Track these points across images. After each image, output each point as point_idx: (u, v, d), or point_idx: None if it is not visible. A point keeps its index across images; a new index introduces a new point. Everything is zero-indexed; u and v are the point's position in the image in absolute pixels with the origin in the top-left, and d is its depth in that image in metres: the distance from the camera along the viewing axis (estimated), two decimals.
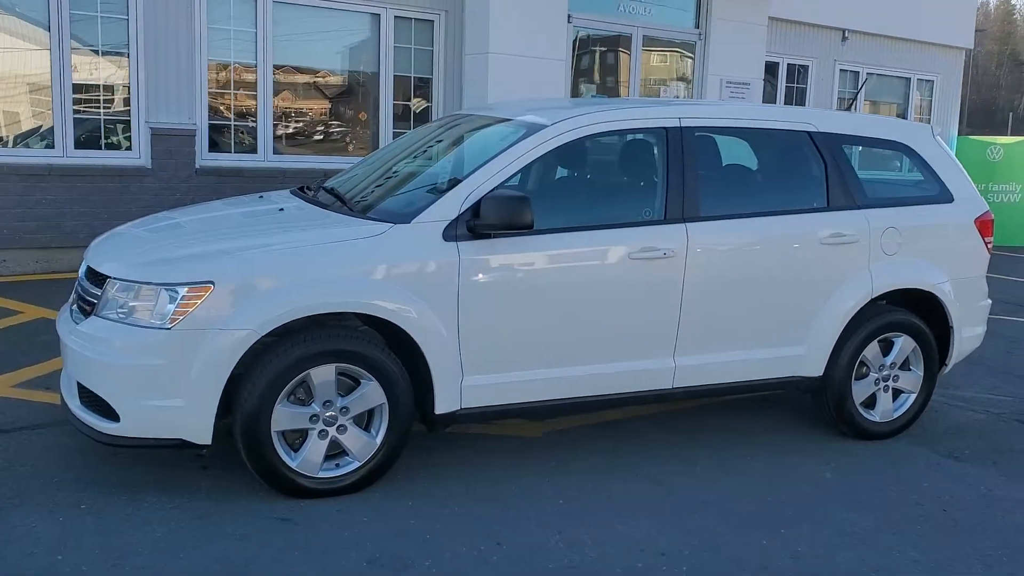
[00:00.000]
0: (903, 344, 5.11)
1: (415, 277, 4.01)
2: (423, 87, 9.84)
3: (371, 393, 4.01)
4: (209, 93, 8.69)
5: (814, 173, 4.92)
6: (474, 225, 4.06)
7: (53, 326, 4.41)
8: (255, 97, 8.94)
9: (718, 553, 3.75)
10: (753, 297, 4.69)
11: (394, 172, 4.90)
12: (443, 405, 4.14)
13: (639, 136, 4.57)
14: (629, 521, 3.98)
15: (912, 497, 4.41)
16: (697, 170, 4.56)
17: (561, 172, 4.42)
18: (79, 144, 8.20)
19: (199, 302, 3.73)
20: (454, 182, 4.23)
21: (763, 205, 4.77)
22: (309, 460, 3.96)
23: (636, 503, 4.15)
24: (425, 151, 5.09)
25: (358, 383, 4.02)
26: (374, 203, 4.41)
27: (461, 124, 5.15)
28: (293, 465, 3.94)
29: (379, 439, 4.06)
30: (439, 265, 4.04)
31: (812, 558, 3.76)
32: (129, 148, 8.37)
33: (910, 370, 5.20)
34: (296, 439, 3.97)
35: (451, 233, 4.07)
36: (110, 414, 3.82)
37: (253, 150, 9.00)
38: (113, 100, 8.34)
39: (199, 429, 3.81)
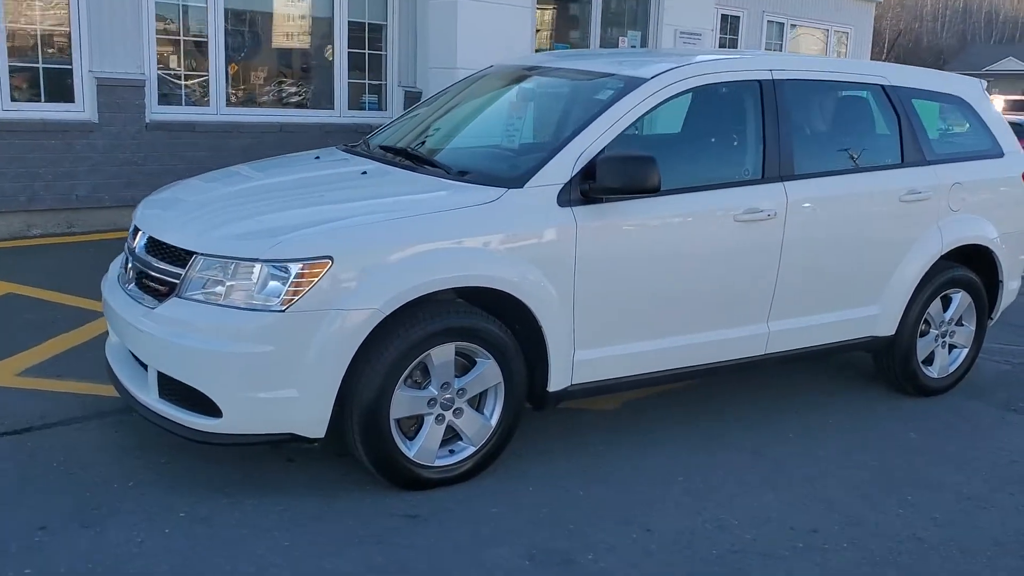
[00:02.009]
0: (960, 300, 5.12)
1: (533, 246, 3.68)
2: (376, 33, 9.28)
3: (488, 372, 3.68)
4: (157, 40, 7.92)
5: (889, 128, 4.81)
6: (590, 188, 3.75)
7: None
8: (206, 45, 8.21)
9: (864, 526, 3.63)
10: (840, 258, 4.57)
11: (467, 130, 4.51)
12: (557, 382, 3.86)
13: (736, 90, 4.33)
14: (758, 497, 3.82)
15: (1004, 455, 4.42)
16: (790, 125, 4.37)
17: (661, 129, 4.15)
18: (15, 97, 7.33)
19: (316, 280, 3.31)
20: (558, 143, 3.90)
21: (845, 162, 4.63)
22: (426, 448, 3.62)
23: (751, 478, 3.99)
24: (489, 107, 4.71)
25: (472, 362, 3.68)
26: (471, 166, 4.03)
27: (535, 78, 4.78)
28: (411, 455, 3.58)
29: (494, 421, 3.75)
30: (556, 232, 3.73)
31: (954, 525, 3.69)
32: (72, 100, 7.55)
33: (963, 325, 5.21)
34: (411, 426, 3.62)
35: (564, 198, 3.76)
36: (208, 409, 3.37)
37: (205, 103, 8.28)
38: (53, 47, 7.49)
39: (313, 421, 3.40)
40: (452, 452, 3.71)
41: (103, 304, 4.07)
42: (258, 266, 3.33)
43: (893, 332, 4.85)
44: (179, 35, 8.13)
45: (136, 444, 3.93)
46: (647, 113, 4.01)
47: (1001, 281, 5.28)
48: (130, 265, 3.80)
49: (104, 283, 4.09)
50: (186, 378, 3.38)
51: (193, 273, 3.43)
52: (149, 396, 3.55)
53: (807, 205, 4.36)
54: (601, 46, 10.15)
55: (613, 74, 4.26)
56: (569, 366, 3.86)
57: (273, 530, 3.31)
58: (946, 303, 5.09)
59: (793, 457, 4.22)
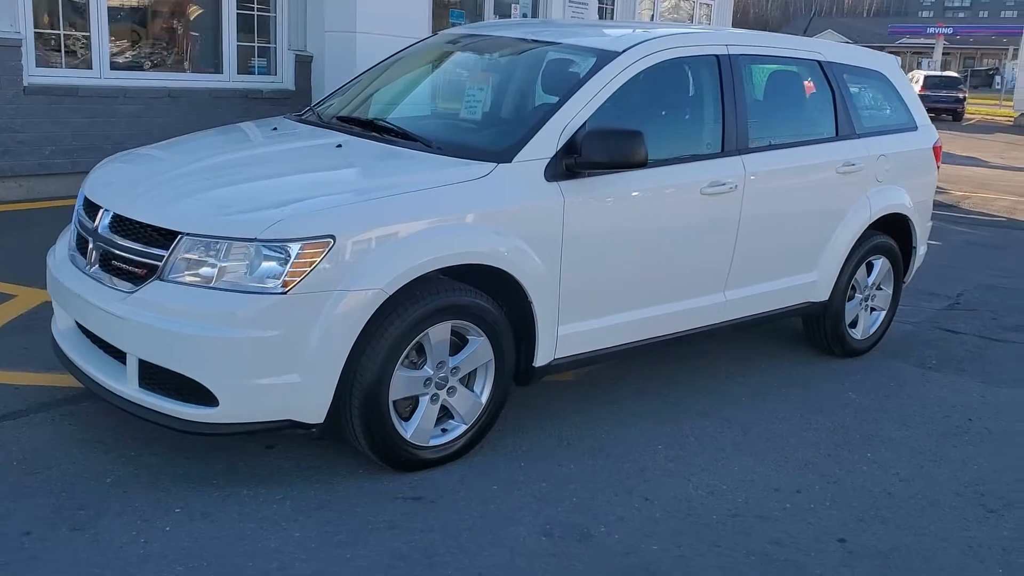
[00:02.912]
0: (881, 266, 5.42)
1: (524, 221, 3.65)
2: None
3: (481, 350, 3.64)
4: None
5: (825, 103, 5.01)
6: (576, 163, 3.74)
7: None
8: (86, 2, 7.64)
9: (840, 484, 3.82)
10: (786, 228, 4.75)
11: (429, 101, 4.39)
12: (542, 357, 3.86)
13: (697, 64, 4.39)
14: (737, 461, 3.95)
15: (936, 410, 4.73)
16: (744, 100, 4.49)
17: (631, 103, 4.16)
18: None
19: (318, 260, 3.17)
20: (538, 117, 3.86)
21: (790, 135, 4.81)
22: (422, 428, 3.55)
23: (723, 443, 4.11)
24: (446, 76, 4.60)
25: (463, 340, 3.63)
26: (450, 139, 3.94)
27: (486, 47, 4.70)
28: (407, 436, 3.51)
29: (484, 398, 3.71)
30: (545, 207, 3.71)
31: (916, 480, 3.92)
32: None
33: (882, 289, 5.53)
34: (405, 407, 3.54)
35: (551, 172, 3.74)
36: (202, 398, 3.19)
37: (88, 65, 7.72)
38: None
39: (314, 406, 3.28)
40: (444, 431, 3.66)
41: (51, 285, 3.78)
42: (254, 246, 3.16)
43: (827, 297, 5.09)
44: None
45: (96, 437, 3.68)
46: (622, 87, 4.02)
47: (914, 247, 5.62)
48: (91, 246, 3.52)
49: (52, 262, 3.79)
50: (177, 366, 3.18)
51: (178, 255, 3.22)
52: (127, 386, 3.32)
53: (762, 177, 4.50)
54: (494, 13, 10.07)
55: (580, 46, 4.25)
56: (553, 341, 3.87)
57: (280, 521, 3.18)
58: (869, 269, 5.38)
59: (754, 421, 4.38)
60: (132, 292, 3.28)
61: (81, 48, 7.72)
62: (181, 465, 3.50)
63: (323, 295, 3.18)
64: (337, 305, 3.20)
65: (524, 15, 10.33)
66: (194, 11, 8.62)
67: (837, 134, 5.01)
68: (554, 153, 3.75)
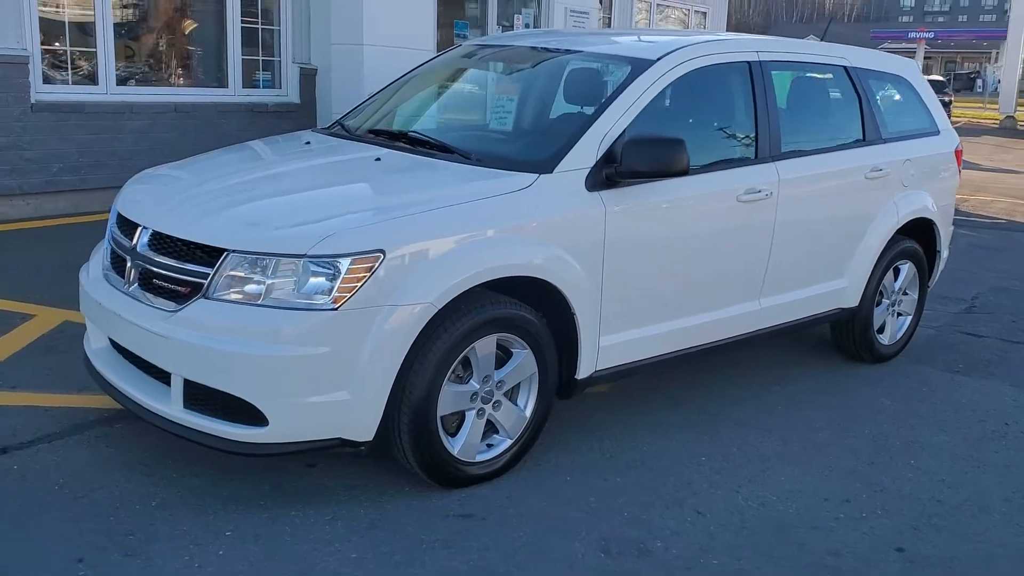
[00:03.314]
0: (908, 270, 5.40)
1: (567, 232, 3.61)
2: (270, 6, 8.84)
3: (526, 362, 3.60)
4: (40, 13, 7.23)
5: (853, 108, 5.00)
6: (616, 172, 3.70)
7: None
8: (92, 19, 7.57)
9: (888, 493, 3.78)
10: (818, 234, 4.73)
11: (461, 112, 4.35)
12: (585, 369, 3.81)
13: (729, 71, 4.37)
14: (782, 471, 3.90)
15: (971, 415, 4.70)
16: (776, 106, 4.47)
17: (667, 111, 4.14)
18: None
19: (368, 275, 3.12)
20: (577, 126, 3.82)
21: (820, 141, 4.79)
22: (469, 444, 3.50)
23: (766, 453, 4.07)
24: (483, 87, 4.55)
25: (507, 353, 3.58)
26: (488, 150, 3.90)
27: (513, 58, 4.66)
28: (455, 452, 3.46)
29: (528, 412, 3.66)
30: (588, 218, 3.67)
31: (963, 486, 3.89)
32: None
33: (907, 294, 5.51)
34: (452, 423, 3.48)
35: (591, 182, 3.70)
36: (250, 417, 3.13)
37: (94, 81, 7.64)
38: None
39: (364, 424, 3.22)
40: (490, 446, 3.61)
41: (84, 303, 3.72)
42: (303, 262, 3.11)
43: (857, 303, 5.07)
44: (63, 7, 7.46)
45: (136, 459, 3.61)
46: (658, 95, 3.99)
47: (939, 251, 5.61)
48: (129, 264, 3.45)
49: (85, 280, 3.73)
50: (225, 385, 3.12)
51: (224, 272, 3.16)
52: (171, 407, 3.26)
53: (794, 184, 4.47)
54: (497, 24, 10.06)
55: (613, 55, 4.22)
56: (595, 352, 3.82)
57: (333, 542, 3.12)
58: (896, 274, 5.36)
59: (793, 430, 4.34)
60: (176, 311, 3.22)
61: (87, 64, 7.64)
62: (225, 486, 3.43)
63: (373, 311, 3.13)
64: (387, 320, 3.15)
65: (527, 25, 10.32)
66: (195, 26, 8.56)
67: (864, 139, 5.00)
68: (594, 162, 3.71)
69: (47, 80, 7.33)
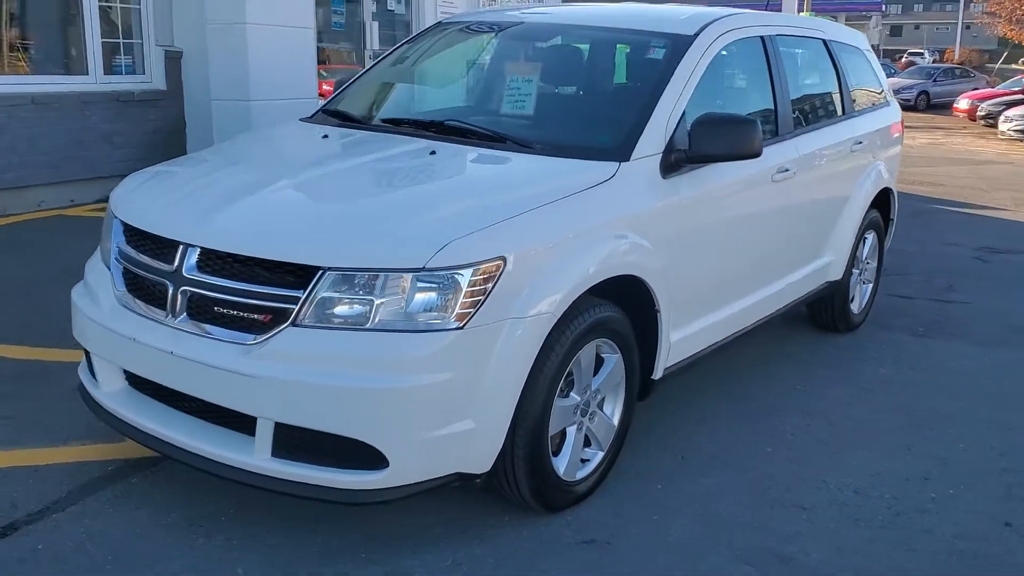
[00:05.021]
0: (872, 239, 5.50)
1: (646, 223, 3.35)
2: None
3: (617, 368, 3.33)
4: None
5: (834, 81, 4.99)
6: (687, 156, 3.48)
7: None
8: None
9: (956, 466, 3.78)
10: (820, 209, 4.71)
11: (492, 96, 3.95)
12: (660, 368, 3.58)
13: (753, 46, 4.21)
14: (850, 455, 3.82)
15: (969, 378, 4.81)
16: (787, 81, 4.37)
17: (710, 89, 3.91)
18: None
19: (491, 287, 2.74)
20: (639, 109, 3.55)
21: (816, 117, 4.75)
22: (572, 462, 3.20)
23: (823, 437, 3.98)
24: (503, 68, 4.13)
25: (599, 360, 3.29)
26: (549, 138, 3.55)
27: (526, 34, 4.30)
28: (561, 472, 3.14)
29: (616, 420, 3.40)
30: (664, 206, 3.43)
31: (1014, 453, 3.94)
32: None
33: (870, 263, 5.62)
34: (554, 441, 3.15)
35: (663, 167, 3.46)
36: (365, 461, 2.69)
37: None
38: None
39: (485, 454, 2.85)
40: (585, 461, 3.31)
41: (97, 341, 3.13)
42: (417, 277, 2.68)
43: (842, 275, 5.09)
44: None
45: (184, 518, 3.06)
46: (705, 73, 3.78)
47: (892, 219, 5.76)
48: (171, 290, 2.88)
49: (93, 311, 3.12)
50: (335, 427, 2.66)
51: (320, 293, 2.68)
52: (254, 456, 2.75)
53: (807, 160, 4.41)
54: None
55: (646, 31, 3.97)
56: (668, 349, 3.60)
57: None
58: (863, 244, 5.44)
59: (829, 410, 4.28)
60: (258, 343, 2.71)
61: None
62: (309, 541, 2.96)
63: (496, 326, 2.76)
64: (512, 335, 2.79)
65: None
66: (46, 6, 7.55)
67: (844, 112, 5.01)
68: (664, 147, 3.47)
69: None
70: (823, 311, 5.32)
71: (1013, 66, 46.47)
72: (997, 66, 48.36)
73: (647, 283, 3.31)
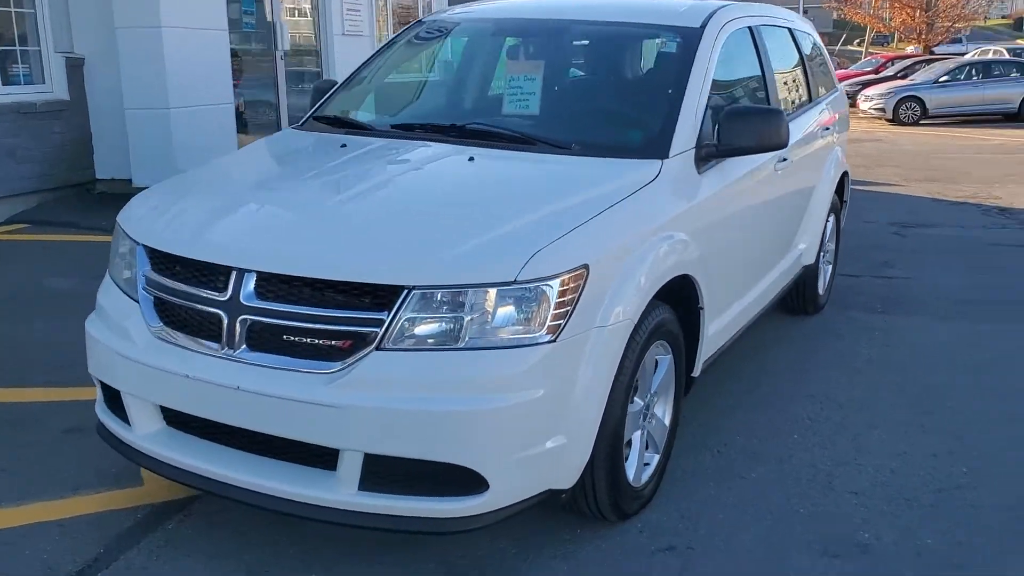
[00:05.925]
0: (832, 221, 5.64)
1: (688, 219, 3.31)
2: None
3: (669, 369, 3.28)
4: None
5: (802, 69, 5.07)
6: (716, 150, 3.46)
7: None
8: None
9: (966, 440, 3.89)
10: (802, 196, 4.78)
11: (501, 96, 3.81)
12: (700, 364, 3.55)
13: (745, 36, 4.21)
14: (871, 437, 3.89)
15: (940, 353, 4.97)
16: (772, 69, 4.42)
17: (718, 80, 3.88)
18: None
19: (579, 296, 2.65)
20: (668, 104, 3.51)
21: (798, 104, 4.82)
22: (638, 467, 3.14)
23: (839, 419, 4.05)
24: (488, 65, 4.01)
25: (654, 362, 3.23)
26: (582, 138, 3.44)
27: (525, 31, 4.18)
28: (631, 479, 3.08)
29: (667, 420, 3.35)
30: (701, 201, 3.40)
31: (1016, 422, 4.12)
32: None
33: (830, 245, 5.76)
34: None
35: (697, 162, 3.43)
36: (462, 486, 2.55)
37: None
38: None
39: (573, 468, 2.76)
40: (646, 465, 3.25)
41: (133, 379, 2.86)
42: (505, 290, 2.56)
43: (814, 260, 5.20)
44: None
45: (243, 565, 2.83)
46: (716, 64, 3.77)
47: (845, 201, 5.92)
48: (226, 320, 2.65)
49: (127, 348, 2.85)
50: (432, 453, 2.51)
51: (406, 314, 2.52)
52: (339, 491, 2.57)
53: (797, 147, 4.47)
54: None
55: (651, 24, 3.93)
56: (704, 345, 3.57)
57: None
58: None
59: (832, 393, 4.35)
60: (341, 371, 2.53)
61: None
62: (392, 569, 2.79)
63: (584, 336, 2.67)
64: (598, 344, 2.70)
65: None
66: None
67: (811, 99, 5.10)
68: (696, 141, 3.44)
69: None
70: (795, 295, 5.41)
71: (851, 47, 48.88)
72: (837, 48, 50.80)
73: (695, 280, 3.27)
